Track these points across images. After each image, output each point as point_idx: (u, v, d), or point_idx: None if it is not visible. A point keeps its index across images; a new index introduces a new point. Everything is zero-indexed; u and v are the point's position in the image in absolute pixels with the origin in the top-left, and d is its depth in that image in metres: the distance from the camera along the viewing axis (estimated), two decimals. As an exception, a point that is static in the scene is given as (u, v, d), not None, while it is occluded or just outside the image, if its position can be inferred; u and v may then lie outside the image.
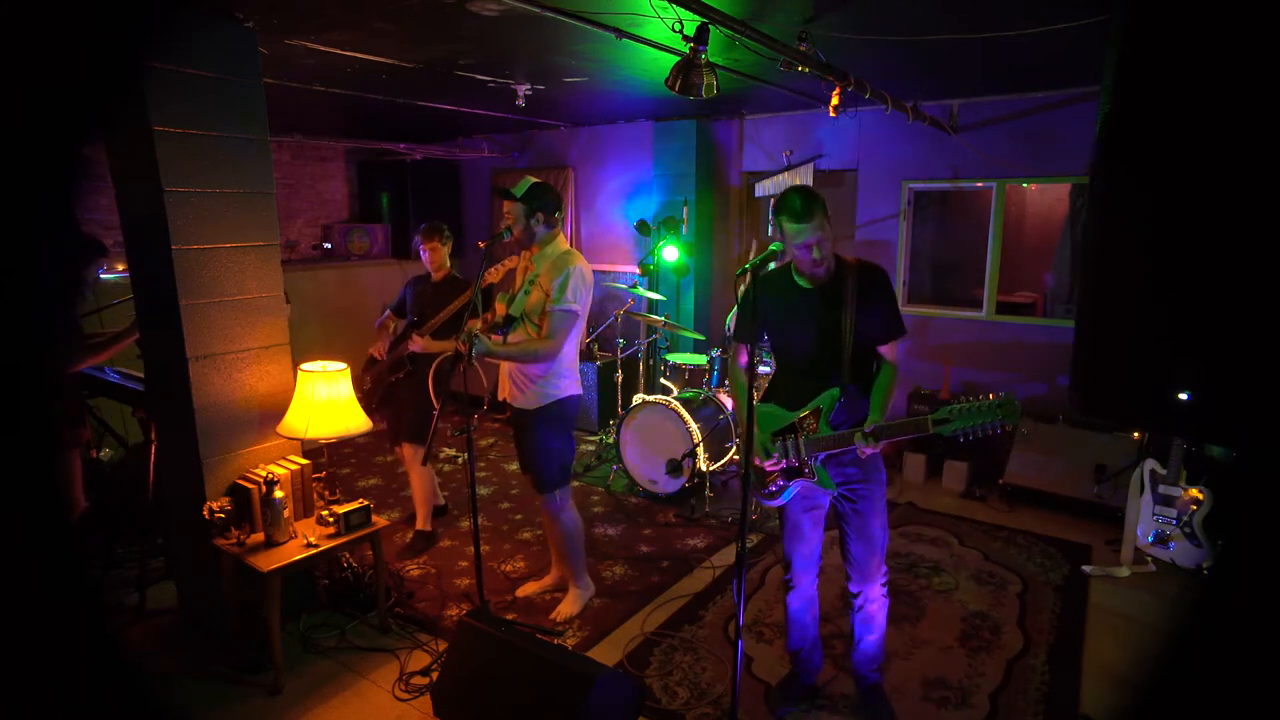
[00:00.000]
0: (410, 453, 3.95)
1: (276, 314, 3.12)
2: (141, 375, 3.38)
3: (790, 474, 2.40)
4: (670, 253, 5.78)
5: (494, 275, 3.27)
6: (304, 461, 3.15)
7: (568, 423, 3.13)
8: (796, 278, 2.41)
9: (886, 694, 2.72)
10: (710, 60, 2.78)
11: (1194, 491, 3.62)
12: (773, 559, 3.89)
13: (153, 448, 3.36)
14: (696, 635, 3.19)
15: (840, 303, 2.34)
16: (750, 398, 2.23)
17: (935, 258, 6.12)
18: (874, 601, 2.55)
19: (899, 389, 2.66)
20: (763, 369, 4.60)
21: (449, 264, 3.96)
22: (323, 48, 3.45)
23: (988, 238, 5.10)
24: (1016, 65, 3.98)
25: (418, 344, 3.70)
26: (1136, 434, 4.20)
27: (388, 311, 4.11)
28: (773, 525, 4.29)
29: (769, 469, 2.43)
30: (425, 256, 3.91)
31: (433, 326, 3.73)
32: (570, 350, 3.06)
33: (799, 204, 2.23)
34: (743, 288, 2.45)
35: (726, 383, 4.81)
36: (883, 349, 2.41)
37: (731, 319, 5.00)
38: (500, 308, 3.08)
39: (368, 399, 3.86)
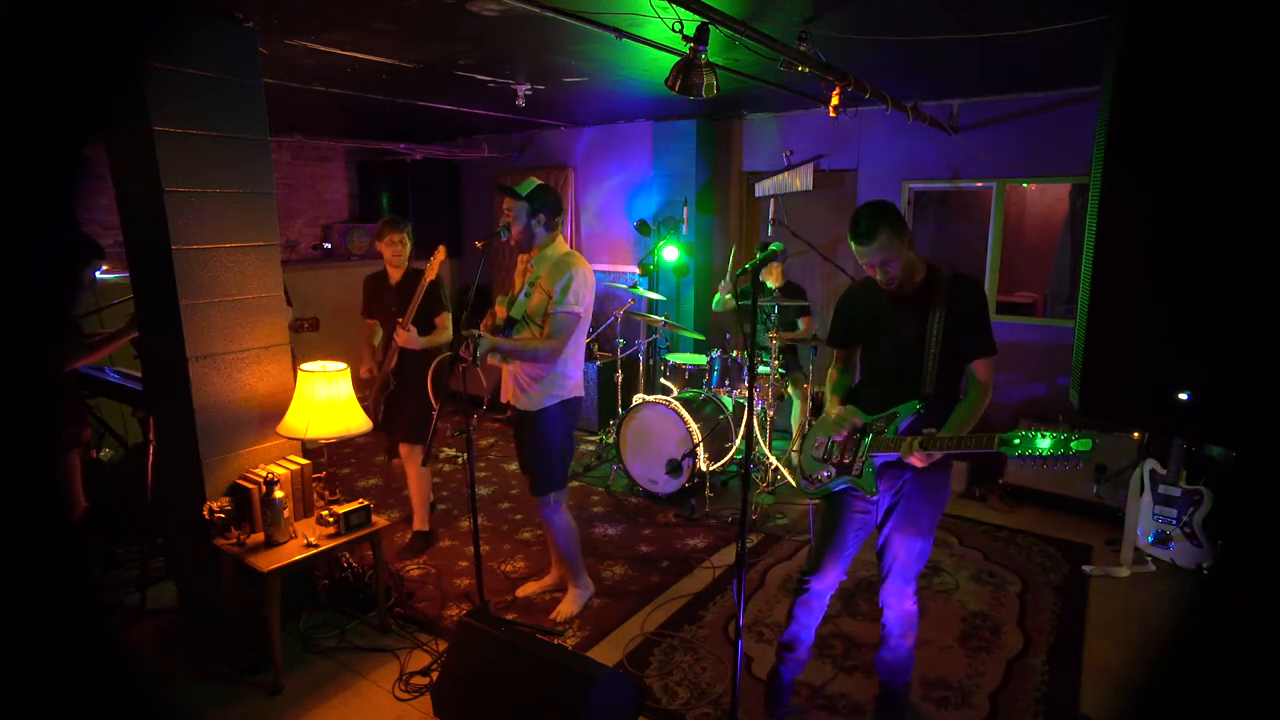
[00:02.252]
0: (408, 451, 3.94)
1: (276, 314, 3.12)
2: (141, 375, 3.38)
3: (841, 469, 2.38)
4: (670, 253, 5.78)
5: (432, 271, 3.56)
6: (304, 461, 3.15)
7: (569, 425, 3.13)
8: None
9: (906, 706, 2.67)
10: (710, 60, 2.78)
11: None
12: (772, 559, 3.89)
13: (151, 447, 3.36)
14: (696, 635, 3.19)
15: (926, 315, 2.27)
16: (752, 399, 2.23)
17: (935, 258, 6.10)
18: (891, 610, 2.52)
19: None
20: (762, 369, 4.60)
21: (407, 263, 3.85)
22: (323, 48, 3.45)
23: (988, 238, 5.10)
24: (1016, 65, 3.98)
25: (402, 338, 3.60)
26: (1136, 434, 4.20)
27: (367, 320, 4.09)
28: (773, 525, 4.29)
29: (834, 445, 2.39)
30: (387, 253, 3.77)
31: (410, 315, 3.62)
32: (575, 353, 3.06)
33: (864, 224, 2.20)
34: (741, 287, 2.45)
35: (727, 382, 4.79)
36: (973, 366, 2.33)
37: (720, 294, 4.86)
38: (500, 310, 3.08)
39: (377, 416, 3.82)
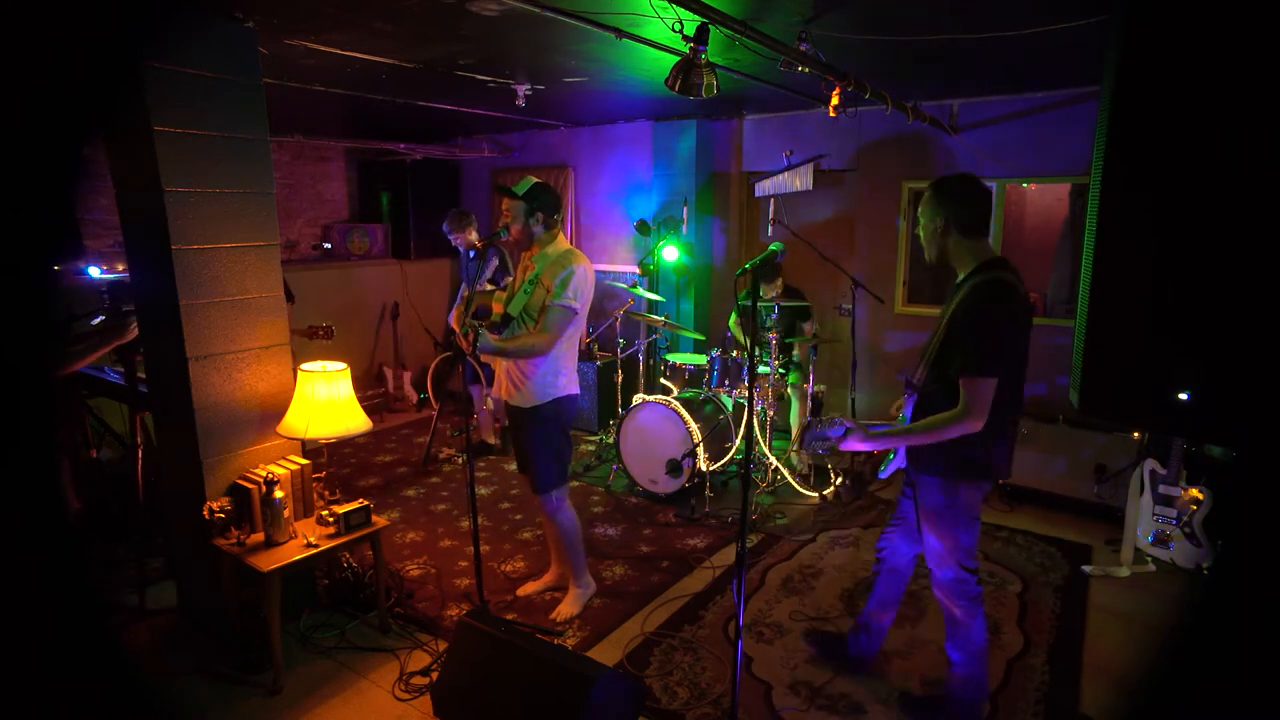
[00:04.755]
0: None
1: (276, 314, 3.12)
2: (142, 376, 3.37)
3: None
4: (670, 253, 5.78)
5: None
6: (304, 461, 3.15)
7: (564, 422, 3.13)
8: None
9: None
10: (710, 60, 2.78)
11: (1194, 491, 3.63)
12: (772, 559, 3.89)
13: (140, 450, 3.35)
14: (696, 635, 3.19)
15: (945, 312, 2.31)
16: (752, 399, 2.23)
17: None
18: (941, 601, 2.55)
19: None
20: (762, 369, 4.60)
21: (476, 239, 4.84)
22: (323, 48, 3.45)
23: (988, 238, 5.10)
24: (1016, 65, 3.98)
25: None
26: (1136, 434, 4.20)
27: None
28: (773, 525, 4.29)
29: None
30: (457, 240, 4.97)
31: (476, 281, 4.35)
32: (569, 351, 3.07)
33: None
34: (744, 290, 2.45)
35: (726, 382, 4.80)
36: (961, 382, 2.15)
37: (734, 320, 5.01)
38: (498, 307, 3.08)
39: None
